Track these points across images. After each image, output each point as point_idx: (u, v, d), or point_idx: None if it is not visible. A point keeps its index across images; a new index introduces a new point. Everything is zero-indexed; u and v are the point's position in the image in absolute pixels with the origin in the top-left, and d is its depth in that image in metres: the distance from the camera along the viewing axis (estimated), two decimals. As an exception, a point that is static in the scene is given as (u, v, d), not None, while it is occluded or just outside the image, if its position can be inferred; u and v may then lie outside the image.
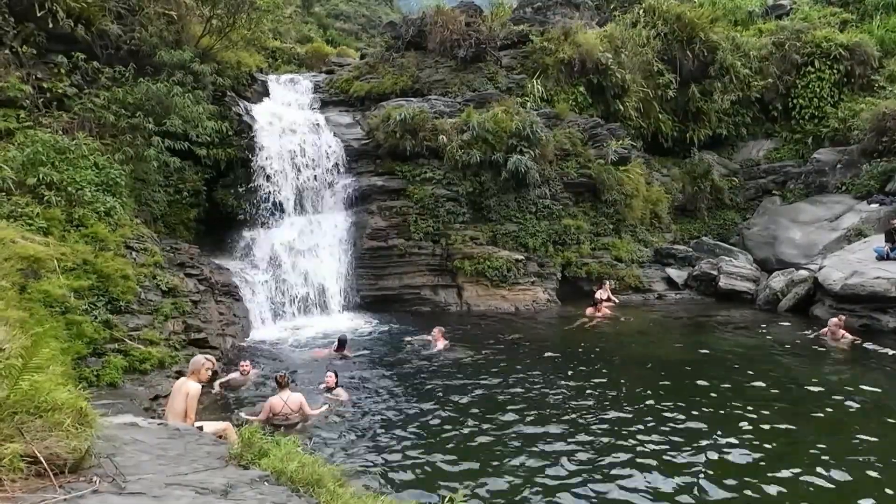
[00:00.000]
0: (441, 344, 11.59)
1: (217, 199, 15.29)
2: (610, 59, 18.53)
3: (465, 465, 6.76)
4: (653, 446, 7.10)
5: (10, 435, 2.95)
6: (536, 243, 16.28)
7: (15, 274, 7.84)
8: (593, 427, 7.72)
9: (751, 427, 7.66)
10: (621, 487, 6.20)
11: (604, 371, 10.17)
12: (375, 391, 9.39)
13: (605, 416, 8.08)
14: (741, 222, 20.49)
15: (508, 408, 8.46)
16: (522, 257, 15.86)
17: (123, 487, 3.09)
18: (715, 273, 16.51)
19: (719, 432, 7.49)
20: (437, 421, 8.08)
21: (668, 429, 7.62)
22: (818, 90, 21.14)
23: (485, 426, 7.84)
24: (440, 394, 9.16)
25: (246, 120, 15.53)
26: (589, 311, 14.44)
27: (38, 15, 12.22)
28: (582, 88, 18.80)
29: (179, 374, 8.26)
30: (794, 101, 21.51)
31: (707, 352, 11.42)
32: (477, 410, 8.40)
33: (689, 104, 21.03)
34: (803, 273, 15.09)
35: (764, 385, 9.33)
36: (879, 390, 9.09)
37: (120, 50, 13.73)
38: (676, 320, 14.44)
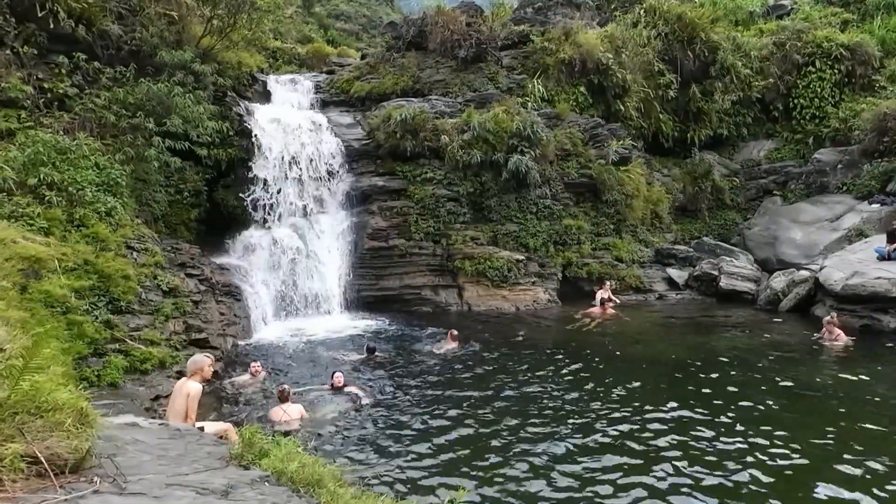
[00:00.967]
0: (453, 345, 11.54)
1: (218, 199, 15.30)
2: (611, 60, 18.53)
3: (467, 466, 6.75)
4: (663, 451, 7.06)
5: (11, 435, 2.95)
6: (537, 243, 16.28)
7: (16, 274, 7.85)
8: (600, 429, 7.69)
9: (752, 428, 7.65)
10: (628, 490, 6.19)
11: (609, 372, 10.14)
12: (379, 391, 9.36)
13: (612, 418, 8.06)
14: (742, 222, 20.49)
15: (514, 409, 8.44)
16: (523, 257, 15.86)
17: (124, 488, 3.09)
18: (716, 273, 16.51)
19: (723, 433, 7.49)
20: (440, 421, 8.07)
21: (684, 435, 7.57)
22: (819, 90, 21.14)
23: (488, 427, 7.83)
24: (444, 394, 9.15)
25: (246, 120, 15.54)
26: (592, 311, 14.44)
27: (39, 15, 12.24)
28: (582, 88, 18.80)
29: (180, 374, 8.26)
30: (795, 101, 21.52)
31: (709, 352, 11.40)
32: (482, 411, 8.38)
33: (690, 104, 21.03)
34: (804, 273, 15.08)
35: (765, 386, 9.32)
36: (870, 386, 9.09)
37: (121, 50, 13.75)
38: (677, 321, 14.43)
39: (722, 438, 7.34)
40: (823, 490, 6.10)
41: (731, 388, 9.23)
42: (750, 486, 6.20)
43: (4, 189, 9.48)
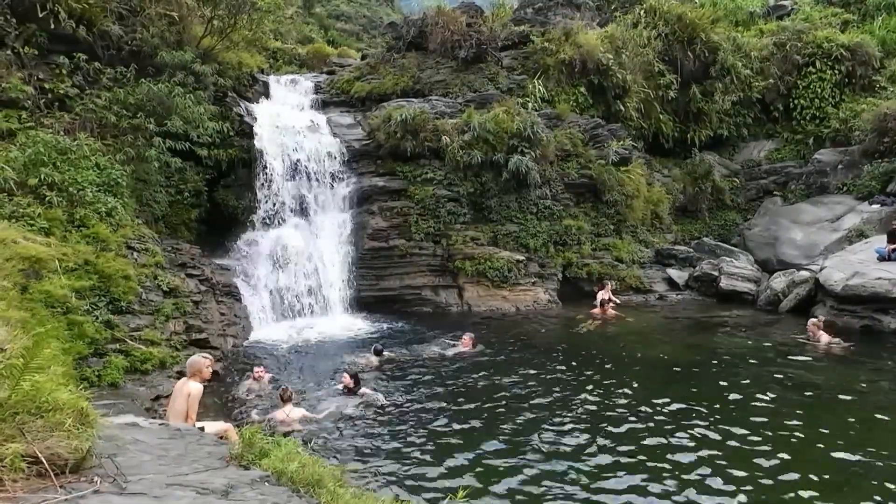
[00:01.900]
0: (467, 348, 11.42)
1: (218, 199, 15.30)
2: (611, 60, 18.53)
3: (470, 468, 6.75)
4: (664, 452, 7.06)
5: (12, 435, 2.96)
6: (537, 244, 16.28)
7: (16, 274, 7.86)
8: (603, 430, 7.69)
9: (751, 429, 7.66)
10: (635, 494, 6.19)
11: (610, 373, 10.12)
12: (386, 393, 9.27)
13: (615, 419, 8.06)
14: (742, 223, 20.48)
15: (515, 410, 8.44)
16: (523, 258, 15.86)
17: (124, 488, 3.09)
18: (716, 274, 16.51)
19: (723, 434, 7.50)
20: (443, 422, 8.06)
21: (686, 435, 7.57)
22: (819, 91, 21.14)
23: (491, 428, 7.83)
24: (450, 396, 9.14)
25: (247, 120, 15.55)
26: (592, 311, 14.43)
27: (40, 16, 12.24)
28: (583, 89, 18.80)
29: (180, 374, 8.26)
30: (796, 101, 21.52)
31: (709, 353, 11.40)
32: (484, 413, 8.38)
33: (690, 105, 21.02)
34: (804, 274, 15.07)
35: (765, 386, 9.32)
36: (866, 387, 9.09)
37: (121, 51, 13.76)
38: (678, 321, 14.44)
39: (724, 440, 7.34)
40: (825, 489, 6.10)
41: (730, 388, 9.24)
42: (751, 484, 6.21)
43: (5, 189, 9.48)
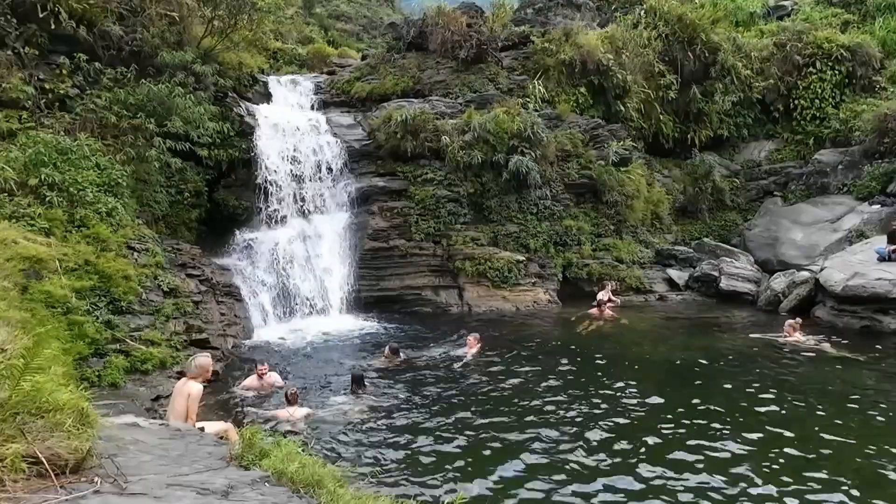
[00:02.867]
0: (474, 349, 11.33)
1: (218, 199, 15.31)
2: (611, 60, 18.53)
3: (470, 468, 6.75)
4: (666, 454, 7.05)
5: (12, 435, 2.96)
6: (537, 244, 16.28)
7: (17, 274, 7.86)
8: (605, 431, 7.67)
9: (752, 427, 7.66)
10: (633, 491, 6.18)
11: (611, 374, 10.09)
12: (394, 395, 9.27)
13: (617, 419, 8.06)
14: (742, 223, 20.47)
15: (518, 411, 8.43)
16: (523, 258, 15.86)
17: (125, 488, 3.10)
18: (716, 274, 16.51)
19: (725, 434, 7.50)
20: (446, 424, 8.04)
21: (688, 437, 7.58)
22: (820, 91, 21.12)
23: (494, 430, 7.82)
24: (448, 396, 9.13)
25: (247, 121, 15.55)
26: (590, 312, 14.41)
27: (41, 16, 12.26)
28: (583, 89, 18.79)
29: (181, 374, 8.24)
30: (796, 101, 21.49)
31: (709, 353, 11.40)
32: (487, 414, 8.36)
33: (691, 105, 21.01)
34: (805, 274, 15.07)
35: (764, 387, 9.33)
36: (870, 387, 9.10)
37: (122, 51, 13.77)
38: (678, 321, 14.43)
39: (725, 441, 7.35)
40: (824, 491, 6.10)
41: (730, 389, 9.24)
42: (753, 485, 6.21)
43: (5, 189, 9.49)
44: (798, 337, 11.87)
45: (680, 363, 10.81)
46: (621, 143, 17.76)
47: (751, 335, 12.47)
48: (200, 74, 14.56)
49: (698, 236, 19.90)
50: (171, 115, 12.86)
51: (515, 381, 9.77)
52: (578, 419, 8.09)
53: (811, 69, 21.23)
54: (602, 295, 15.22)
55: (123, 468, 3.28)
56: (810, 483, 6.28)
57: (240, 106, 15.81)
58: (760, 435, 7.46)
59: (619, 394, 9.05)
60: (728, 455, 6.94)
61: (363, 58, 21.50)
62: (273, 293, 14.13)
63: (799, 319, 12.43)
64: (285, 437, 5.85)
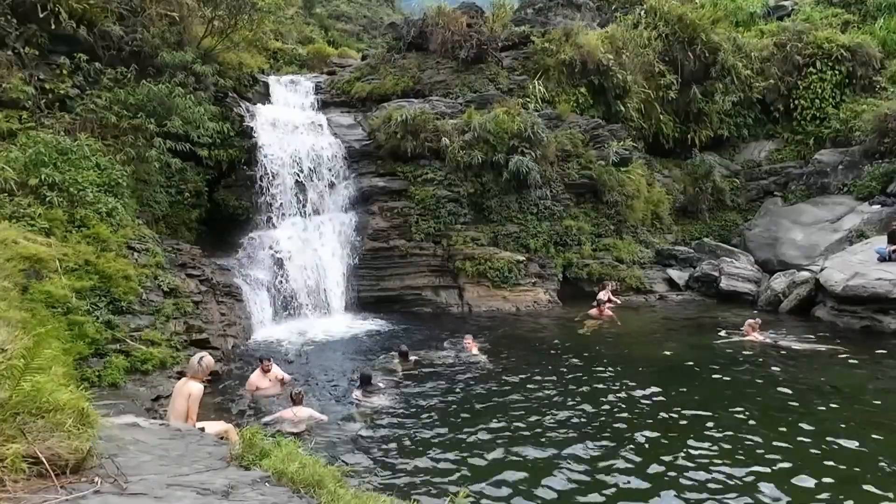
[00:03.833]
0: (474, 350, 11.28)
1: (218, 199, 15.32)
2: (611, 61, 18.54)
3: (473, 470, 6.75)
4: (670, 454, 7.04)
5: (13, 435, 2.96)
6: (537, 244, 16.29)
7: (17, 274, 7.86)
8: (607, 433, 7.68)
9: (750, 428, 7.66)
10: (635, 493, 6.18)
11: (611, 374, 10.07)
12: (399, 396, 9.23)
13: (620, 422, 8.05)
14: (742, 223, 20.48)
15: (519, 412, 8.41)
16: (524, 258, 15.86)
17: (125, 488, 3.09)
18: (716, 274, 16.51)
19: (726, 434, 7.50)
20: (447, 425, 8.03)
21: (690, 437, 7.58)
22: (820, 91, 21.13)
23: (496, 431, 7.81)
24: (450, 397, 9.13)
25: (247, 121, 15.56)
26: (589, 312, 14.38)
27: (41, 16, 12.27)
28: (583, 89, 18.80)
29: (181, 374, 8.26)
30: (796, 101, 21.51)
31: (709, 354, 11.40)
32: (489, 416, 8.34)
33: (691, 105, 21.02)
34: (805, 274, 15.07)
35: (763, 387, 9.33)
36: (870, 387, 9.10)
37: (122, 51, 13.77)
38: (678, 322, 14.42)
39: (725, 442, 7.35)
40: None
41: (730, 389, 9.24)
42: (755, 484, 6.21)
43: (6, 190, 9.49)
44: (755, 336, 11.99)
45: (679, 363, 10.80)
46: (621, 143, 17.77)
47: (714, 341, 12.32)
48: (200, 74, 14.57)
49: (698, 236, 19.91)
50: (171, 115, 12.86)
51: (516, 381, 9.76)
52: (579, 419, 8.08)
53: (811, 69, 21.24)
54: (602, 295, 15.21)
55: (124, 468, 3.28)
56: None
57: (240, 106, 15.81)
58: (758, 433, 7.46)
59: (619, 394, 9.04)
60: (731, 455, 6.93)
61: (363, 58, 21.51)
62: (273, 293, 14.12)
63: (759, 319, 12.56)
64: (286, 437, 5.86)
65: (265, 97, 17.89)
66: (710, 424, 7.82)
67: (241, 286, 13.31)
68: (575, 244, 16.77)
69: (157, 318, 9.76)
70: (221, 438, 5.55)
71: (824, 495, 6.03)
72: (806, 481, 6.30)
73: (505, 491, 6.19)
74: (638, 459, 6.84)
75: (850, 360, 10.67)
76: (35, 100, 11.95)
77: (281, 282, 14.29)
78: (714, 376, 9.98)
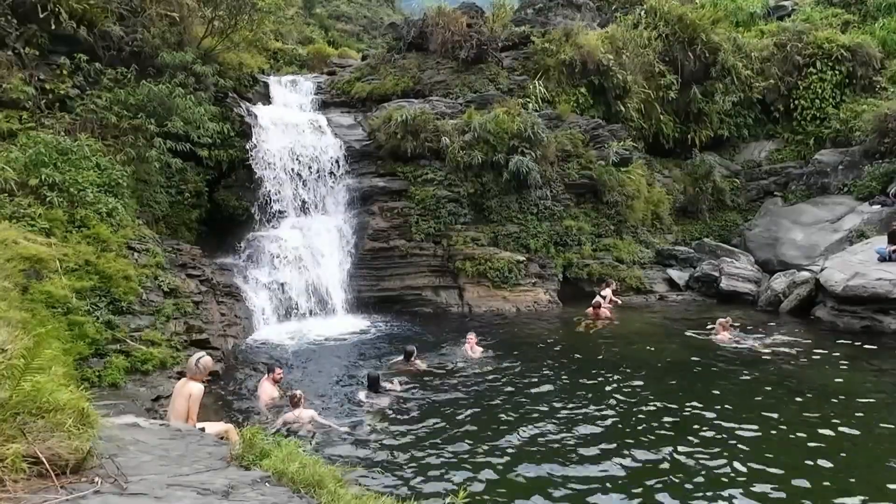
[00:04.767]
0: (478, 350, 11.21)
1: (219, 200, 15.31)
2: (611, 61, 18.54)
3: (473, 470, 6.75)
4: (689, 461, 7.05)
5: (13, 435, 2.96)
6: (538, 244, 16.29)
7: (17, 274, 7.86)
8: (609, 435, 7.66)
9: (750, 428, 7.66)
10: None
11: (617, 375, 10.04)
12: (404, 398, 9.19)
13: (623, 422, 8.05)
14: (743, 223, 20.48)
15: (521, 414, 8.41)
16: (524, 258, 15.86)
17: (125, 488, 3.09)
18: (716, 274, 16.50)
19: (726, 436, 7.50)
20: (449, 426, 8.03)
21: (691, 438, 7.59)
22: (820, 91, 21.14)
23: (497, 432, 7.81)
24: (452, 398, 9.12)
25: (248, 121, 15.55)
26: (587, 312, 14.36)
27: (41, 16, 12.26)
28: (583, 89, 18.80)
29: (181, 374, 8.25)
30: (796, 102, 21.51)
31: (708, 354, 11.40)
32: (491, 417, 8.35)
33: (691, 105, 21.03)
34: (805, 274, 15.06)
35: (763, 387, 9.33)
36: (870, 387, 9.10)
37: (122, 51, 13.76)
38: (678, 322, 14.41)
39: (724, 441, 7.35)
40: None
41: (730, 389, 9.24)
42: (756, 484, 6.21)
43: (6, 190, 9.49)
44: (723, 336, 12.07)
45: (679, 363, 10.80)
46: (621, 143, 17.77)
47: (686, 332, 12.66)
48: (201, 75, 14.56)
49: (698, 236, 19.91)
50: (171, 115, 12.85)
51: (517, 381, 9.76)
52: (580, 420, 8.08)
53: (811, 69, 21.25)
54: (602, 294, 15.22)
55: (124, 468, 3.28)
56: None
57: (240, 106, 15.81)
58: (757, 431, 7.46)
59: (620, 395, 9.04)
60: (730, 457, 6.94)
61: (363, 58, 21.51)
62: (273, 293, 14.11)
63: (729, 318, 12.68)
64: (287, 437, 5.85)
65: (265, 97, 17.90)
66: (709, 424, 7.83)
67: (240, 286, 13.31)
68: (575, 244, 16.77)
69: (157, 318, 9.75)
70: (221, 438, 5.56)
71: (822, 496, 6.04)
72: (802, 482, 6.31)
73: (506, 491, 6.19)
74: (639, 461, 6.84)
75: (842, 363, 10.66)
76: (35, 100, 11.95)
77: (281, 282, 14.28)
78: (714, 376, 9.98)
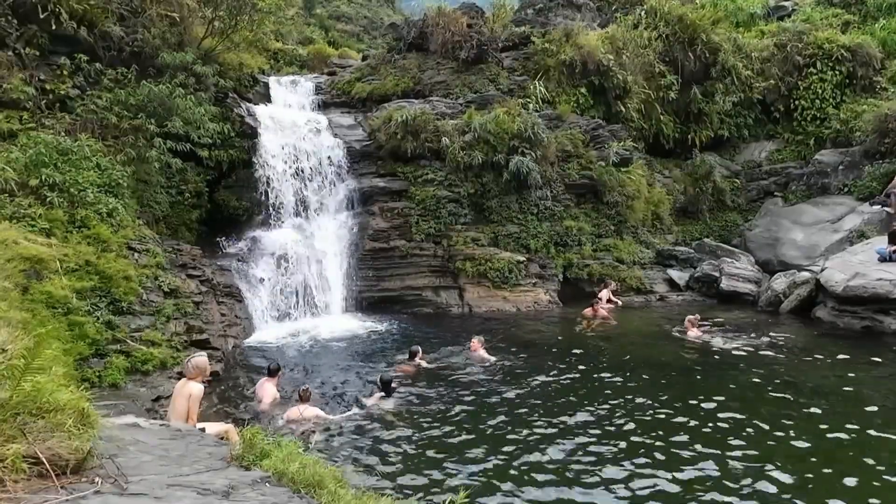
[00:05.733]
0: (478, 352, 11.09)
1: (219, 200, 15.30)
2: (611, 61, 18.54)
3: (475, 471, 6.75)
4: (672, 457, 7.06)
5: (13, 436, 2.96)
6: (538, 244, 16.29)
7: (17, 275, 7.86)
8: (611, 437, 7.65)
9: (750, 428, 7.66)
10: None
11: (618, 376, 10.03)
12: (408, 398, 9.17)
13: (623, 423, 8.04)
14: (743, 224, 20.48)
15: (522, 414, 8.40)
16: (524, 259, 15.86)
17: (125, 488, 3.09)
18: (717, 274, 16.51)
19: (727, 436, 7.50)
20: (450, 427, 8.02)
21: (691, 438, 7.59)
22: (820, 91, 21.13)
23: (498, 433, 7.81)
24: (454, 399, 9.11)
25: (248, 121, 15.55)
26: (585, 311, 14.34)
27: (41, 16, 12.26)
28: (583, 90, 18.80)
29: (181, 375, 8.23)
30: (796, 102, 21.51)
31: (708, 354, 11.40)
32: (492, 417, 8.33)
33: (691, 105, 21.03)
34: (805, 275, 15.06)
35: (762, 388, 9.32)
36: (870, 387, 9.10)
37: (122, 51, 13.76)
38: (678, 322, 14.36)
39: (723, 441, 7.35)
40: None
41: (729, 390, 9.24)
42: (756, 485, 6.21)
43: (6, 190, 9.49)
44: (691, 332, 12.29)
45: (678, 363, 10.80)
46: (622, 143, 17.77)
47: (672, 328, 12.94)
48: (201, 75, 14.55)
49: (699, 237, 19.91)
50: (171, 115, 12.84)
51: (518, 382, 9.76)
52: (583, 420, 8.08)
53: (812, 69, 21.24)
54: (602, 294, 15.21)
55: (124, 468, 3.28)
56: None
57: (240, 106, 15.80)
58: (755, 432, 7.46)
59: (620, 395, 9.04)
60: (732, 454, 6.94)
61: (364, 58, 21.51)
62: (274, 294, 14.12)
63: (697, 315, 12.88)
64: (286, 435, 5.85)
65: (265, 98, 17.90)
66: (709, 424, 7.83)
67: (241, 286, 13.31)
68: (575, 244, 16.77)
69: (157, 318, 9.75)
70: (222, 439, 5.56)
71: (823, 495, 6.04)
72: (793, 481, 6.31)
73: (506, 491, 6.19)
74: (641, 460, 6.84)
75: (842, 363, 10.66)
76: (35, 100, 11.95)
77: (281, 282, 14.29)
78: (714, 376, 9.98)
